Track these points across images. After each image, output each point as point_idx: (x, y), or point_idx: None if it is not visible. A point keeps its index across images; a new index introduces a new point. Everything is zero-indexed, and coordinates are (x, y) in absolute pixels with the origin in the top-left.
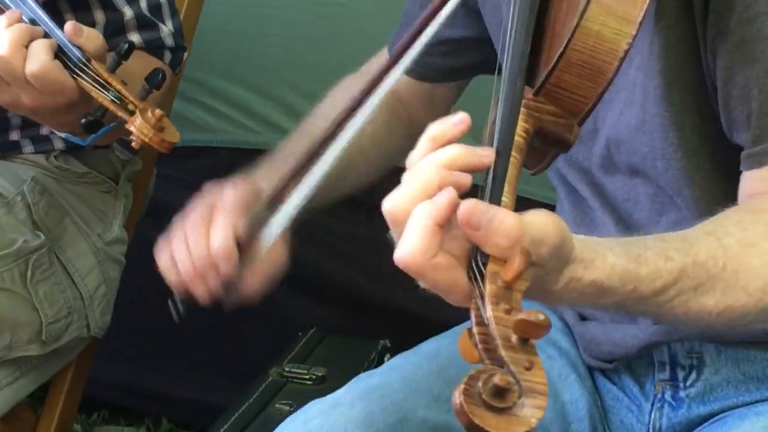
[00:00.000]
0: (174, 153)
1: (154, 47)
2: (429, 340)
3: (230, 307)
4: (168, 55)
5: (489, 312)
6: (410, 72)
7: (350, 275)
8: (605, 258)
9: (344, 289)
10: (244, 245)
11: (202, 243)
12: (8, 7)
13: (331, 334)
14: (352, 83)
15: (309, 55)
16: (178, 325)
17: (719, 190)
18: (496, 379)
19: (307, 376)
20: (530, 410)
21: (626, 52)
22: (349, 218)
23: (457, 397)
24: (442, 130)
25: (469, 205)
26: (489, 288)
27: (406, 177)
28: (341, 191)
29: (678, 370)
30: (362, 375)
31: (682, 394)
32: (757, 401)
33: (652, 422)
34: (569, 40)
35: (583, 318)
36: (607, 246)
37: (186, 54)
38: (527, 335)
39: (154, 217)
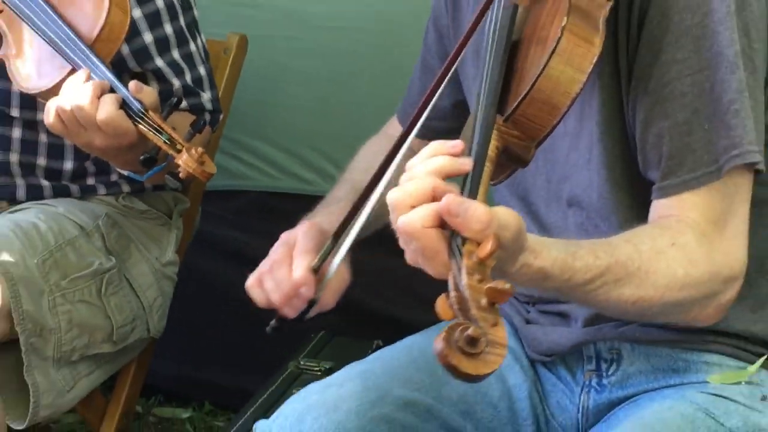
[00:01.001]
0: (214, 195)
1: (196, 110)
2: (405, 339)
3: (311, 317)
4: (207, 116)
5: (465, 280)
6: (418, 134)
7: (353, 291)
8: (550, 251)
9: (348, 301)
10: (318, 272)
11: (287, 277)
12: (80, 68)
13: (337, 336)
14: (376, 142)
15: (321, 121)
16: (217, 328)
17: (637, 216)
18: (470, 331)
19: (317, 368)
20: (494, 357)
21: (577, 94)
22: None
23: (439, 344)
24: (440, 146)
25: (450, 197)
26: (466, 262)
27: (404, 178)
28: (381, 223)
29: (602, 363)
30: (352, 363)
31: (605, 381)
32: (663, 387)
33: (581, 403)
34: (534, 82)
35: (528, 322)
36: (551, 243)
37: (222, 116)
38: (494, 300)
39: (199, 244)
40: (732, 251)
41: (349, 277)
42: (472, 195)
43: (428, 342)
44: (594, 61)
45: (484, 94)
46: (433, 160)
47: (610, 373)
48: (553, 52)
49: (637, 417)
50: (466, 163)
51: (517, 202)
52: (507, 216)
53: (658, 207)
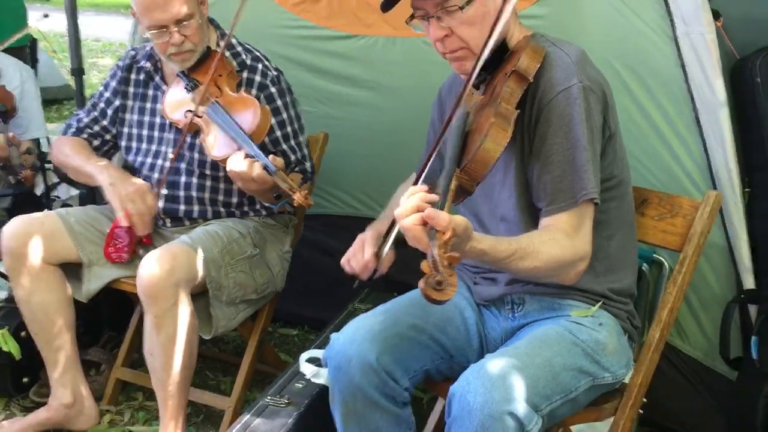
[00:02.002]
0: (310, 216)
1: (303, 171)
2: (410, 291)
3: (374, 279)
4: (309, 175)
5: (436, 252)
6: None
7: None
8: (486, 240)
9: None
10: (377, 255)
11: (362, 258)
12: (242, 148)
13: (377, 291)
14: (403, 186)
15: (368, 173)
16: (312, 286)
17: (534, 225)
18: (438, 278)
19: (363, 308)
20: (451, 290)
21: (498, 157)
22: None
23: (421, 284)
24: (418, 189)
25: (429, 209)
26: (437, 242)
27: (402, 201)
28: None
29: (513, 305)
30: (381, 305)
31: (515, 314)
32: (545, 318)
33: (502, 326)
34: (476, 151)
35: (475, 283)
36: (487, 236)
37: (315, 175)
38: (451, 262)
39: (302, 242)
40: (582, 244)
41: (393, 258)
42: (441, 208)
43: (417, 293)
44: (507, 140)
45: (450, 158)
46: (418, 194)
47: (517, 311)
48: (485, 135)
49: (531, 333)
50: (435, 198)
51: (471, 216)
52: (459, 219)
53: (544, 221)
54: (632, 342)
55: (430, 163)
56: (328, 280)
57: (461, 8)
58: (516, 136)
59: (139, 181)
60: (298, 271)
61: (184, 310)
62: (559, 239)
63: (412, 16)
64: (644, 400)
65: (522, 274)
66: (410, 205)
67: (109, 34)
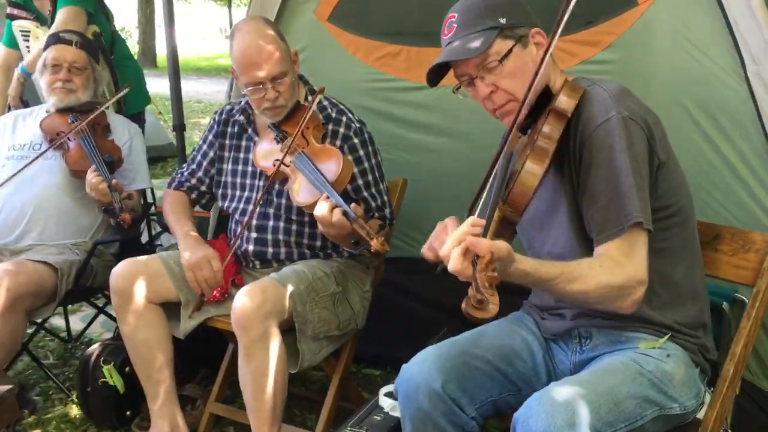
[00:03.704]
0: (389, 258)
1: (383, 218)
2: (480, 327)
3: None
4: (387, 221)
5: (478, 274)
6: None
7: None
8: (528, 262)
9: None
10: None
11: (444, 239)
12: (324, 194)
13: (453, 332)
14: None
15: (451, 214)
16: (392, 324)
17: (587, 255)
18: (478, 297)
19: None
20: (492, 307)
21: (536, 188)
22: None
23: (463, 305)
24: (474, 220)
25: (469, 238)
26: (480, 266)
27: (450, 235)
28: None
29: (581, 339)
30: (448, 338)
31: (583, 348)
32: (613, 351)
33: (570, 360)
34: (515, 182)
35: (543, 318)
36: (530, 259)
37: (394, 220)
38: (491, 282)
39: (383, 282)
40: (635, 270)
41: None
42: (484, 236)
43: (486, 328)
44: (542, 170)
45: (495, 192)
46: (465, 228)
47: (585, 344)
48: (522, 167)
49: (599, 365)
50: (477, 230)
51: (529, 252)
52: (500, 244)
53: (596, 251)
54: (705, 376)
55: (480, 202)
56: (410, 321)
57: (500, 62)
58: (564, 173)
59: (209, 250)
60: (381, 313)
61: (274, 340)
62: (609, 266)
63: (459, 87)
64: None
65: (572, 299)
66: (452, 239)
67: (210, 96)
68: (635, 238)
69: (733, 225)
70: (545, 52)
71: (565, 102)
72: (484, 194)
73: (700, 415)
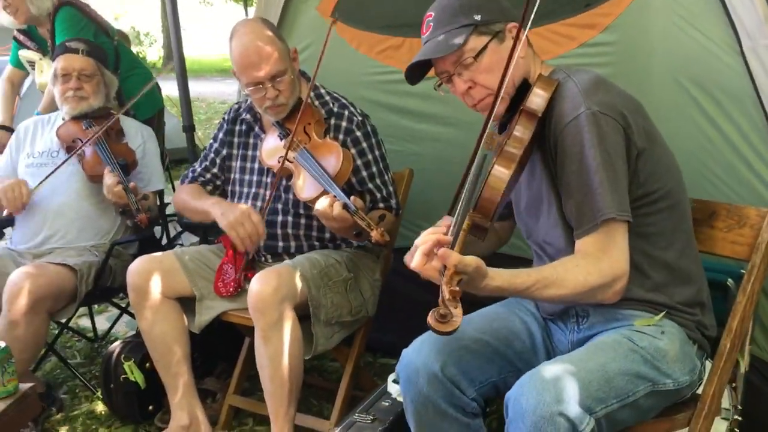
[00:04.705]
0: (399, 250)
1: (389, 208)
2: (476, 311)
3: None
4: (394, 211)
5: (443, 287)
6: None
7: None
8: (501, 276)
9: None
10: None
11: (432, 238)
12: (326, 189)
13: None
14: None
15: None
16: (399, 313)
17: (571, 247)
18: (441, 311)
19: None
20: (454, 321)
21: (503, 194)
22: None
23: (429, 317)
24: (434, 230)
25: (443, 250)
26: (445, 278)
27: (417, 243)
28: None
29: (578, 317)
30: None
31: (581, 326)
32: (609, 329)
33: (568, 339)
34: (482, 189)
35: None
36: (503, 272)
37: (401, 211)
38: (454, 296)
39: (391, 272)
40: (612, 264)
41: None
42: (453, 245)
43: (485, 310)
44: (509, 177)
45: (466, 197)
46: (434, 237)
47: (582, 323)
48: (489, 173)
49: (595, 342)
50: (448, 240)
51: (531, 242)
52: (469, 260)
53: (576, 246)
54: (704, 353)
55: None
56: (421, 310)
57: (475, 58)
58: (546, 171)
59: (243, 205)
60: (394, 302)
61: (290, 324)
62: (584, 265)
63: (440, 84)
64: (738, 418)
65: (552, 302)
66: (419, 239)
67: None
68: (612, 231)
69: (735, 201)
70: (513, 47)
71: (535, 102)
72: (463, 195)
73: (701, 390)
